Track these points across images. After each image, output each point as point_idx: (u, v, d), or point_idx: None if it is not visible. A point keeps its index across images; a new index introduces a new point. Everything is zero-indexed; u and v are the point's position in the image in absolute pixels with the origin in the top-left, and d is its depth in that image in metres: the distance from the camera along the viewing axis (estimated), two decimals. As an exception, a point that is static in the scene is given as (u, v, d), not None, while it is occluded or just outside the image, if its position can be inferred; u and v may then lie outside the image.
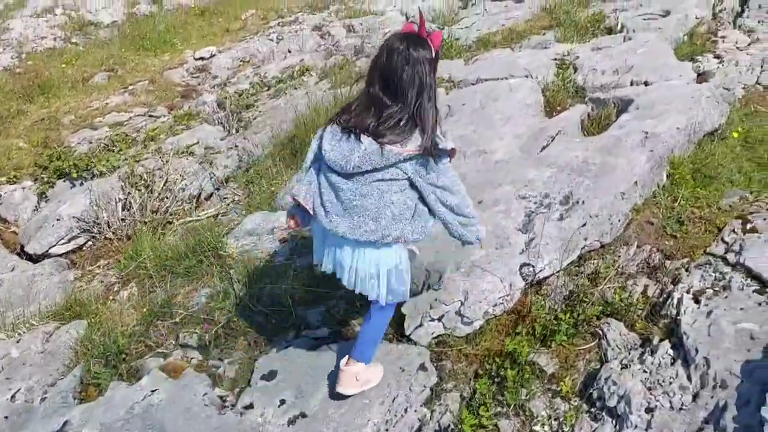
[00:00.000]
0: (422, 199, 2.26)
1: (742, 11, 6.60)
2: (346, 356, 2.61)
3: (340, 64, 6.17)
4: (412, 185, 2.22)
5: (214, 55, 7.29)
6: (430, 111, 2.13)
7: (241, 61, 7.19)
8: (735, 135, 3.91)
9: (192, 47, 7.46)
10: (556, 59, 5.35)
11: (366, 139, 2.12)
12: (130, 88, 6.27)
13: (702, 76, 5.09)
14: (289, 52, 7.32)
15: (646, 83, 4.69)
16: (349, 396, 2.62)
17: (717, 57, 5.42)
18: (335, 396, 2.64)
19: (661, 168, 3.70)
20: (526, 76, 5.13)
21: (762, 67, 5.09)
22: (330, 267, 2.43)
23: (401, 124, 2.11)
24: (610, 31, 6.06)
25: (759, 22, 6.12)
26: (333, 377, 2.72)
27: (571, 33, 6.09)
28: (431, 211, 2.29)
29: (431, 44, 2.12)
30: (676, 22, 5.82)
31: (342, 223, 2.23)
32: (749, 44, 5.62)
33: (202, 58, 7.13)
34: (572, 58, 5.35)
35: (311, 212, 2.32)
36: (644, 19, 6.11)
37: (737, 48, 5.56)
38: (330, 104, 4.99)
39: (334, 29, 7.83)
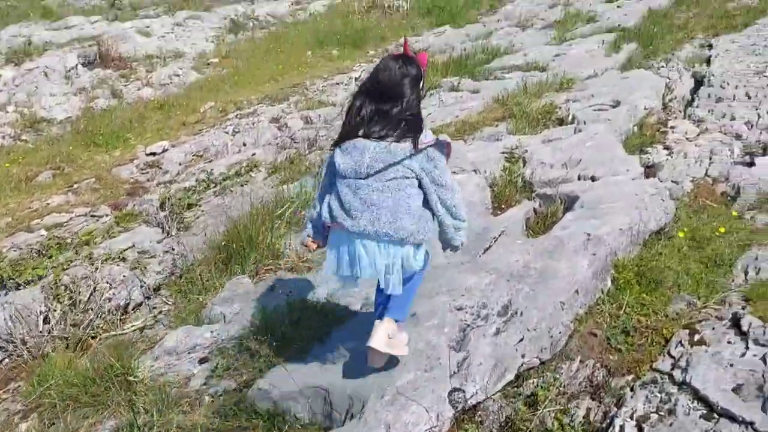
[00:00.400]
0: (425, 200, 2.51)
1: (693, 100, 6.66)
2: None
3: (291, 158, 6.06)
4: (419, 186, 2.48)
5: (166, 150, 7.18)
6: (420, 115, 2.53)
7: (193, 155, 7.09)
8: (681, 234, 3.76)
9: (146, 142, 7.38)
10: (505, 152, 5.28)
11: (373, 142, 2.43)
12: (75, 186, 6.11)
13: (651, 169, 5.03)
14: (244, 145, 7.25)
15: (593, 178, 4.60)
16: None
17: (666, 148, 5.38)
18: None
19: (605, 272, 3.52)
20: (475, 171, 5.03)
21: (710, 158, 5.04)
22: (348, 271, 2.52)
23: (402, 125, 2.43)
24: (561, 122, 6.05)
25: (709, 111, 6.16)
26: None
27: (523, 124, 6.07)
28: (432, 213, 2.53)
29: (418, 62, 2.55)
30: (626, 113, 5.83)
31: (363, 218, 2.41)
32: (698, 134, 5.61)
33: (153, 154, 7.02)
34: (521, 151, 5.28)
35: (328, 225, 2.56)
36: (595, 110, 6.12)
37: (686, 139, 5.54)
38: (271, 203, 4.83)
39: (291, 121, 7.81)
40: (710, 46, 8.34)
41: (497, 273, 3.48)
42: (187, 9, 15.91)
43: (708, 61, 7.79)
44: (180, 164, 7.02)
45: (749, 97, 6.30)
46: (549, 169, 4.95)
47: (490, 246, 3.90)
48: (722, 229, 3.77)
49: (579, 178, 4.67)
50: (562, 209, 4.36)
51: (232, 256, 4.28)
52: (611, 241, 3.61)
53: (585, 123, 5.82)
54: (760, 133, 5.53)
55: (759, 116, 5.81)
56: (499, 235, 3.99)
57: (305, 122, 7.77)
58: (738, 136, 5.48)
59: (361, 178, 2.44)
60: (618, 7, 11.18)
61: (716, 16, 9.60)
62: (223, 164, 6.50)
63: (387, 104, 2.45)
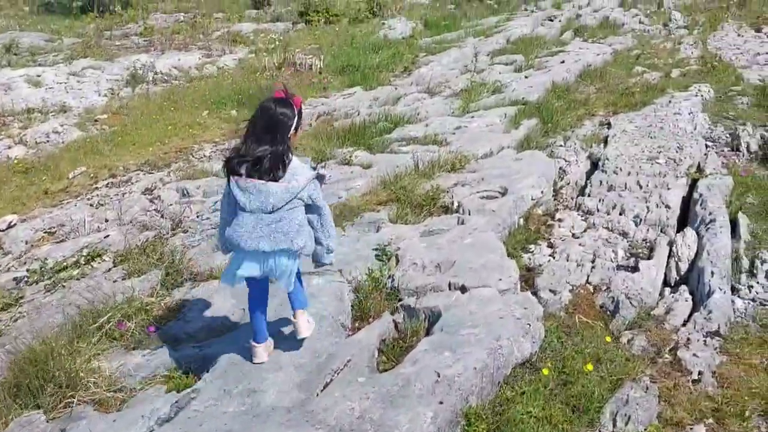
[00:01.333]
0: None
1: (586, 186, 6.40)
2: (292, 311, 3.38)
3: (145, 245, 5.33)
4: (305, 207, 3.12)
5: (13, 225, 6.30)
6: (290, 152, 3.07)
7: (44, 233, 6.23)
8: (545, 372, 3.27)
9: (-3, 213, 6.49)
10: (378, 249, 4.75)
11: (273, 186, 2.99)
12: None
13: (530, 273, 4.60)
14: (106, 221, 6.46)
15: (463, 288, 4.10)
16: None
17: (551, 246, 5.00)
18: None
19: (453, 425, 2.96)
20: (339, 271, 4.46)
21: (593, 261, 4.67)
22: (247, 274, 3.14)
23: (285, 163, 3.00)
24: (447, 209, 5.61)
25: (600, 200, 5.87)
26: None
27: (407, 211, 5.60)
28: (319, 227, 3.21)
29: (293, 104, 3.08)
30: (512, 203, 5.45)
31: (269, 243, 3.03)
32: (585, 230, 5.28)
33: (-4, 230, 6.14)
34: (395, 247, 4.77)
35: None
36: (482, 197, 5.73)
37: (572, 235, 5.19)
38: (92, 310, 4.09)
39: (166, 192, 7.09)
40: (609, 125, 8.25)
41: (326, 427, 2.87)
42: (91, 57, 15.03)
43: (606, 141, 7.64)
44: (26, 243, 6.15)
45: (640, 186, 6.07)
46: (421, 272, 4.44)
47: (330, 381, 3.29)
48: (590, 367, 3.31)
49: (449, 287, 4.17)
50: (425, 327, 3.83)
51: (21, 386, 3.49)
52: (464, 384, 3.07)
53: (470, 213, 5.40)
54: (648, 230, 5.25)
55: (648, 209, 5.55)
56: (344, 366, 3.39)
57: (181, 195, 7.07)
58: (624, 234, 5.17)
59: (265, 213, 3.01)
60: (526, 77, 11.15)
61: (617, 93, 9.62)
62: (69, 247, 5.69)
63: (269, 143, 2.97)
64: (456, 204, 5.61)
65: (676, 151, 6.88)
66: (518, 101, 9.29)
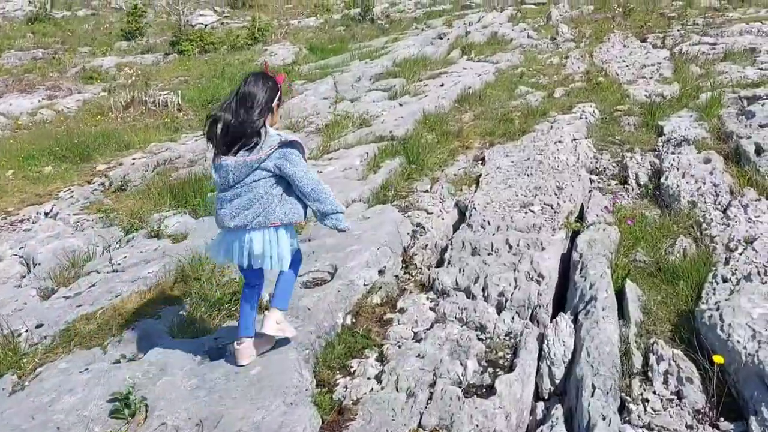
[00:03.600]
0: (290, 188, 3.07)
1: (446, 249, 5.08)
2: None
3: None
4: (280, 178, 3.02)
5: None
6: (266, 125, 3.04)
7: None
8: None
9: None
10: (118, 399, 3.18)
11: (230, 160, 2.98)
12: None
13: (341, 417, 3.16)
14: None
15: (216, 475, 2.61)
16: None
17: (381, 358, 3.59)
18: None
19: None
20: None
21: (432, 387, 3.29)
22: (225, 258, 3.19)
23: (254, 137, 2.96)
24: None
25: (460, 271, 4.57)
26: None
27: (200, 311, 4.08)
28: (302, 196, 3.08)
29: (276, 79, 3.14)
30: (336, 294, 4.03)
31: (232, 219, 3.01)
32: (432, 325, 3.91)
33: None
34: (139, 398, 3.21)
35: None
36: (304, 283, 4.29)
37: (414, 335, 3.81)
38: None
39: None
40: (483, 160, 7.05)
41: None
42: None
43: (478, 182, 6.42)
44: None
45: (510, 247, 4.81)
46: (173, 435, 2.92)
47: None
48: None
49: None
50: None
51: None
52: None
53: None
54: (513, 317, 3.95)
55: (516, 282, 4.27)
56: None
57: None
58: (482, 328, 3.84)
59: (231, 188, 3.00)
60: (400, 105, 9.92)
61: (495, 119, 8.50)
62: None
63: (245, 113, 2.95)
64: (267, 299, 4.14)
65: (555, 193, 5.70)
66: (384, 137, 8.00)
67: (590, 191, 6.09)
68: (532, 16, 19.67)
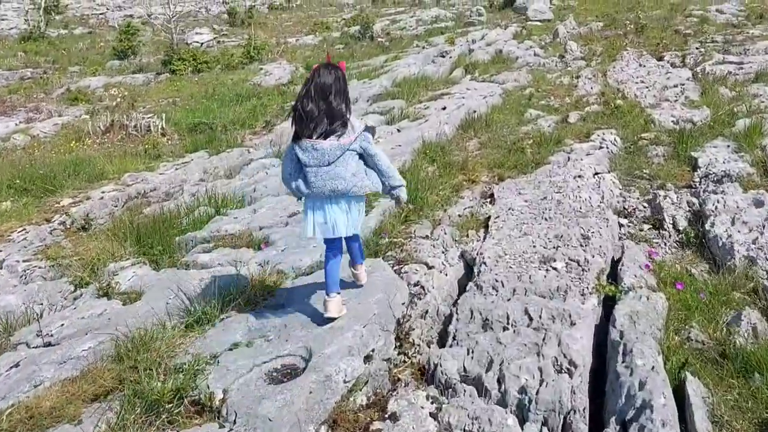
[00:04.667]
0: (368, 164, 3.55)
1: (450, 319, 4.15)
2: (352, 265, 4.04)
3: None
4: (361, 156, 3.49)
5: None
6: (349, 107, 3.46)
7: None
8: None
9: None
10: None
11: (326, 143, 3.37)
12: None
13: None
14: None
15: None
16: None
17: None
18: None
19: None
20: None
21: None
22: (317, 230, 3.55)
23: (340, 122, 3.38)
24: (201, 410, 3.19)
25: (469, 352, 3.64)
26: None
27: (130, 417, 3.13)
28: (378, 172, 3.56)
29: (340, 67, 3.49)
30: (307, 397, 3.08)
31: (326, 186, 3.41)
32: (432, 441, 2.95)
33: None
34: None
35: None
36: (270, 372, 3.35)
37: (408, 458, 2.85)
38: None
39: None
40: (492, 198, 6.14)
41: None
42: None
43: (487, 226, 5.50)
44: None
45: (530, 319, 3.87)
46: None
47: None
48: None
49: None
50: None
51: None
52: None
53: (235, 421, 3.01)
54: (540, 430, 3.00)
55: (541, 375, 3.33)
56: None
57: None
58: (500, 449, 2.89)
59: (323, 166, 3.40)
60: (398, 131, 9.03)
61: (504, 148, 7.59)
62: None
63: (325, 104, 3.35)
64: (218, 400, 3.20)
65: (581, 243, 4.77)
66: (380, 169, 7.07)
67: (621, 239, 5.16)
68: (538, 33, 18.85)
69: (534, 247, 4.83)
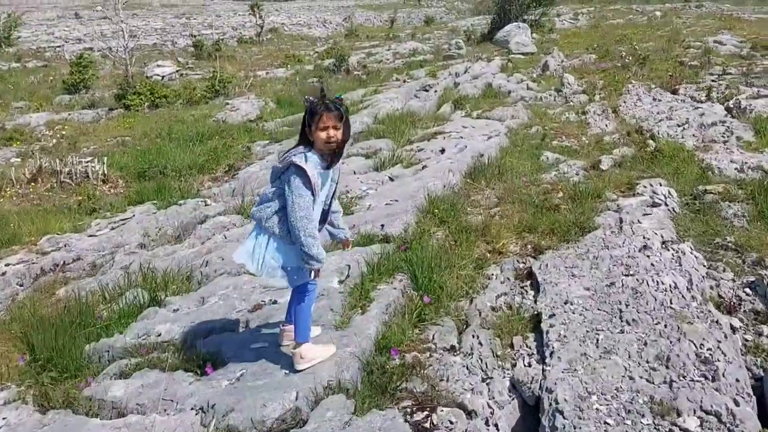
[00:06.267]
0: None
1: None
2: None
3: None
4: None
5: None
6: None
7: None
8: None
9: None
10: None
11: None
12: None
13: None
14: None
15: None
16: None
17: None
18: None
19: None
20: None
21: None
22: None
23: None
24: None
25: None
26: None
27: None
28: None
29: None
30: None
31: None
32: None
33: None
34: None
35: None
36: None
37: None
38: None
39: None
40: (530, 278, 4.43)
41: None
42: None
43: (539, 330, 3.78)
44: None
45: None
46: None
47: None
48: None
49: None
50: None
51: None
52: None
53: None
54: None
55: None
56: None
57: None
58: None
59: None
60: (391, 179, 7.33)
61: (531, 205, 5.92)
62: None
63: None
64: None
65: (702, 372, 3.08)
66: (374, 236, 5.33)
67: (744, 356, 3.48)
68: (524, 67, 17.55)
69: (632, 379, 3.11)
